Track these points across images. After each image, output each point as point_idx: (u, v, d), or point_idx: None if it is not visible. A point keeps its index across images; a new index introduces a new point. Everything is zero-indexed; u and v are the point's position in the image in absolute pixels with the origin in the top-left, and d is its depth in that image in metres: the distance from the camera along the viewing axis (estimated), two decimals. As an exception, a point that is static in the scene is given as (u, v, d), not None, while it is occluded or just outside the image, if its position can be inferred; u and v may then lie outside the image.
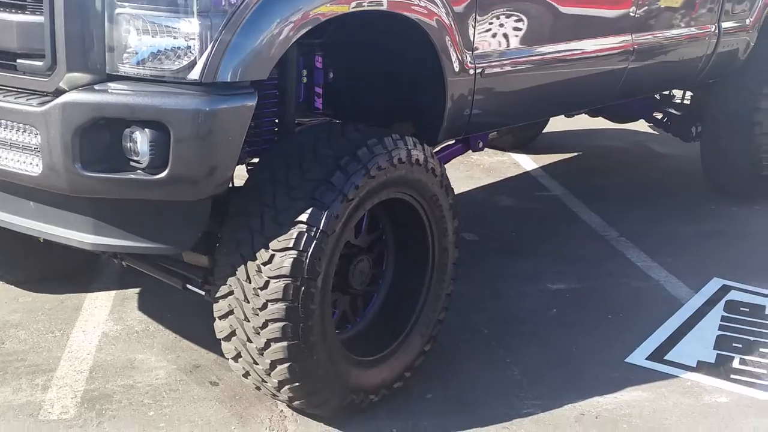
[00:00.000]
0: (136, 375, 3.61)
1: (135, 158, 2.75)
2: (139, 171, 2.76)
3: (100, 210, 2.90)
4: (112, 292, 4.38)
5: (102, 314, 4.17)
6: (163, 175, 2.74)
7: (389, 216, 3.45)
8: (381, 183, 3.11)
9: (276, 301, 2.91)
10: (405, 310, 3.50)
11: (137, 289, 4.38)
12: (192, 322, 3.89)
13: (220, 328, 3.10)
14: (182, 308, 4.05)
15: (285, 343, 2.95)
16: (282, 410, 3.35)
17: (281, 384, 3.07)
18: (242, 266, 2.97)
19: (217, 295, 3.05)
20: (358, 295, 3.43)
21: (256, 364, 3.06)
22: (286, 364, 2.99)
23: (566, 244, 5.23)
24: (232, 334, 3.06)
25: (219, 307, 3.07)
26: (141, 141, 2.72)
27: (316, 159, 3.01)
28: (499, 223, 5.58)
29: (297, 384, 3.06)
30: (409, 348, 3.46)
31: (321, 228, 2.91)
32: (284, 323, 2.93)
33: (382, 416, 3.35)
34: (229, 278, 3.00)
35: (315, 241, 2.91)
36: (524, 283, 4.63)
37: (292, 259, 2.89)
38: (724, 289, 4.65)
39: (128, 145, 2.74)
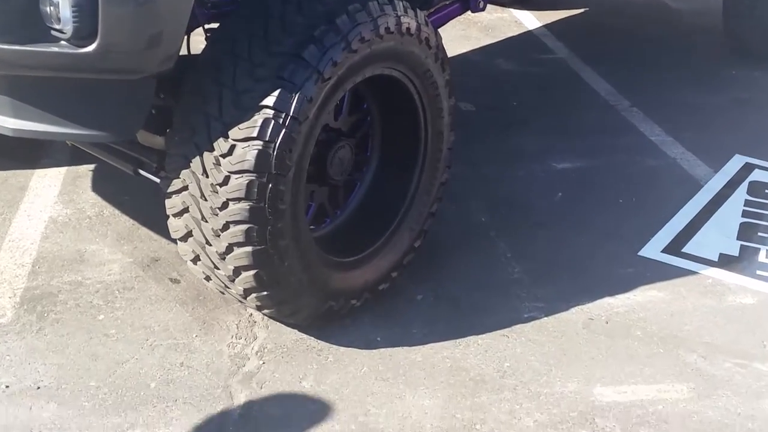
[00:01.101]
0: (85, 270, 3.18)
1: (57, 26, 2.22)
2: (62, 42, 2.23)
3: (21, 89, 2.37)
4: (63, 169, 3.90)
5: (50, 195, 3.70)
6: (92, 47, 2.21)
7: (375, 94, 2.93)
8: (365, 57, 2.57)
9: (238, 200, 2.44)
10: (392, 201, 3.04)
11: (92, 166, 3.89)
12: (153, 206, 3.35)
13: (175, 227, 2.64)
14: (142, 190, 3.52)
15: (249, 249, 2.50)
16: (251, 314, 2.95)
17: (247, 292, 2.64)
18: (197, 158, 2.48)
19: (169, 189, 2.57)
20: (338, 186, 2.95)
21: (218, 269, 2.62)
22: (252, 272, 2.55)
23: (573, 114, 4.72)
24: (189, 234, 2.61)
25: (172, 204, 2.60)
26: (62, 4, 2.18)
27: (284, 28, 2.46)
28: (498, 91, 5.03)
29: (265, 293, 2.63)
30: (396, 245, 3.02)
31: (291, 114, 2.41)
32: (248, 226, 2.46)
33: (365, 322, 2.95)
34: (183, 171, 2.52)
35: (284, 130, 2.41)
36: (526, 162, 4.15)
37: (256, 152, 2.40)
38: (747, 168, 4.18)
39: (47, 9, 2.21)
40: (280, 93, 2.39)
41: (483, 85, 5.08)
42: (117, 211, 3.58)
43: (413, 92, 2.86)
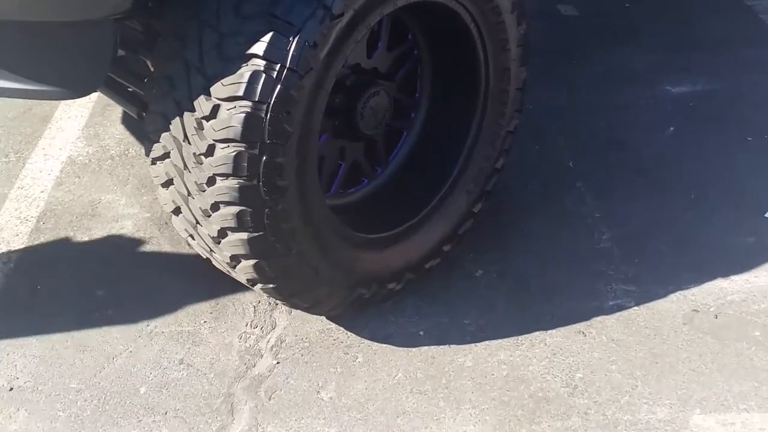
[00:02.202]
0: (94, 227, 2.74)
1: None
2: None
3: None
4: (95, 96, 3.42)
5: (74, 128, 3.27)
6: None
7: (420, 21, 2.29)
8: (391, -17, 1.93)
9: (225, 176, 1.89)
10: (445, 157, 2.43)
11: (125, 91, 3.40)
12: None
13: (163, 199, 2.13)
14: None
15: (244, 236, 1.97)
16: (274, 292, 2.44)
17: (251, 283, 2.13)
18: (177, 118, 1.94)
19: (151, 155, 2.05)
20: (375, 140, 2.36)
21: (214, 252, 2.11)
22: (251, 261, 2.03)
23: (698, 20, 3.89)
24: (178, 210, 2.09)
25: (156, 172, 2.08)
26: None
27: (279, -53, 1.84)
28: (608, -10, 4.23)
29: (272, 286, 2.10)
30: (449, 212, 2.43)
31: (287, 65, 1.81)
32: (239, 209, 1.92)
33: (408, 308, 2.40)
34: (162, 134, 1.99)
35: (279, 87, 1.82)
36: (635, 84, 3.41)
37: (243, 116, 1.83)
38: None
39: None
40: (272, 37, 1.80)
41: (590, -17, 4.28)
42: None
43: (467, 20, 2.20)
